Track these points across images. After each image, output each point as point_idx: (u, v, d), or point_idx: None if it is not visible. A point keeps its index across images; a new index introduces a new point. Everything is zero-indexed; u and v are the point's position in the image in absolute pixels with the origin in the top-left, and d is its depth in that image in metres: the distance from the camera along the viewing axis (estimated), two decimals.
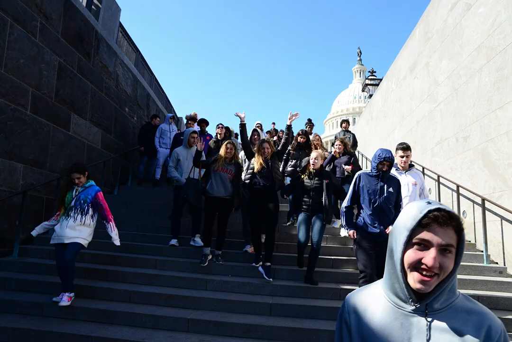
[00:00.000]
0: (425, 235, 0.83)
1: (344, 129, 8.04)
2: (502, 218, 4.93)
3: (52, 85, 5.65)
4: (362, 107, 51.73)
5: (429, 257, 0.82)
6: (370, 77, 17.88)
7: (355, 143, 7.76)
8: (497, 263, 4.92)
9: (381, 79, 15.11)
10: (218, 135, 6.73)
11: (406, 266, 0.86)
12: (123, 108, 8.31)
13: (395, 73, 10.55)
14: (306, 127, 7.62)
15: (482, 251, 4.98)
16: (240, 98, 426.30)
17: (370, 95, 16.50)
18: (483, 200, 5.03)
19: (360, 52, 73.18)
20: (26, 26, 5.02)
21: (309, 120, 8.41)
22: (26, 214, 4.99)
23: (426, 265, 0.82)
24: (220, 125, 6.72)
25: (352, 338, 0.93)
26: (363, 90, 18.28)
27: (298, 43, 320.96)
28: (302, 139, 6.03)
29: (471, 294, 3.93)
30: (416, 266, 0.84)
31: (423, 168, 7.24)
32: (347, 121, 8.24)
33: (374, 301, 0.93)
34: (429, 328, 0.84)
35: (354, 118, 63.70)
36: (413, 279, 0.84)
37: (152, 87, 11.23)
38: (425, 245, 0.83)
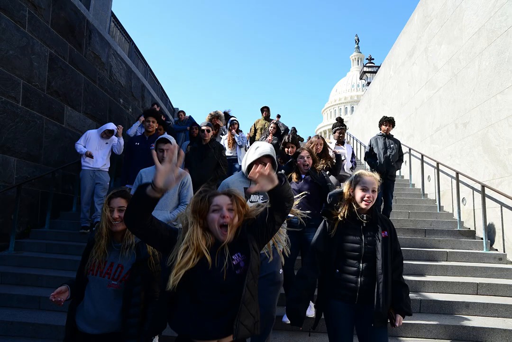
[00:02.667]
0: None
1: (384, 133, 5.17)
2: (502, 204, 4.90)
3: (44, 77, 5.53)
4: (360, 96, 51.39)
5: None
6: (368, 64, 17.69)
7: (400, 158, 5.15)
8: (496, 249, 4.90)
9: (379, 67, 14.94)
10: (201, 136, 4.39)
11: None
12: (117, 99, 8.18)
13: (393, 59, 10.39)
14: (263, 116, 6.40)
15: (482, 238, 4.96)
16: (233, 89, 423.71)
17: (368, 83, 16.33)
18: (483, 186, 4.98)
19: (358, 39, 72.39)
20: (13, 15, 4.86)
21: (266, 108, 7.25)
22: (21, 208, 4.96)
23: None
24: (197, 126, 4.21)
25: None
26: (361, 78, 18.11)
27: (295, 31, 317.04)
28: (291, 149, 4.06)
29: (471, 281, 3.93)
30: None
31: (422, 155, 7.19)
32: (390, 121, 5.17)
33: None
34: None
35: (352, 107, 63.43)
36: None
37: (147, 77, 11.06)
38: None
